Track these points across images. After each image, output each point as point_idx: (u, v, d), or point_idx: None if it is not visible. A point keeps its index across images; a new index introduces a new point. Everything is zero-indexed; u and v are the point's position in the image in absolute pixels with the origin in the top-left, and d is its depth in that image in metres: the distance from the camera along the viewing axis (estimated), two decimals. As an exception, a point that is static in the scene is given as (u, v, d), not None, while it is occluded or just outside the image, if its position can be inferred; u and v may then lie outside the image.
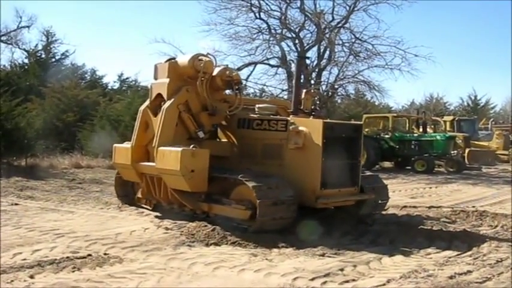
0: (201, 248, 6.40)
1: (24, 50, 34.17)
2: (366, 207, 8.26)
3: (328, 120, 8.08)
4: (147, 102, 8.78)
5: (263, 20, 24.30)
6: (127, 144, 8.96)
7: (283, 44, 24.81)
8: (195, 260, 5.77)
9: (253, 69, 24.72)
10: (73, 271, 5.26)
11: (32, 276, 5.03)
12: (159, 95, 8.45)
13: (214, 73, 8.29)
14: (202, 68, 8.07)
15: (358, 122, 9.05)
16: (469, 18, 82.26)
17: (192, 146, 7.60)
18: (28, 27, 36.44)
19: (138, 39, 52.46)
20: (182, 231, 7.13)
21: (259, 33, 24.49)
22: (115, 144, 9.34)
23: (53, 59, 30.45)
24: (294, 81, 8.88)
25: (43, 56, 30.33)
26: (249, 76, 24.25)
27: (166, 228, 7.46)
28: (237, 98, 8.42)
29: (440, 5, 76.13)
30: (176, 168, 7.45)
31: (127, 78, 33.27)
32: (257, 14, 24.06)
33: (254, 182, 7.10)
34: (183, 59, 8.43)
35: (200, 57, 8.22)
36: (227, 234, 6.85)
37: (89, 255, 5.87)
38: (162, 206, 8.67)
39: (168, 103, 8.15)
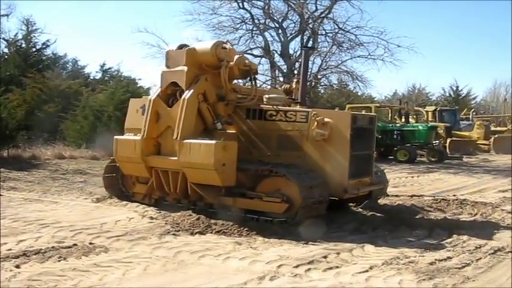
0: (186, 237, 6.45)
1: (4, 39, 33.55)
2: (373, 196, 8.42)
3: (354, 112, 8.15)
4: (157, 92, 8.23)
5: (246, 9, 24.21)
6: (131, 136, 8.36)
7: (266, 34, 24.77)
8: (181, 249, 5.83)
9: (237, 59, 24.57)
10: (59, 260, 5.28)
11: (17, 266, 5.05)
12: (172, 84, 8.06)
13: (232, 62, 7.92)
14: (226, 56, 7.77)
15: (373, 114, 9.15)
16: (451, 10, 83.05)
17: (222, 138, 7.34)
18: (7, 15, 35.62)
19: (120, 29, 51.95)
20: (167, 221, 7.16)
21: (243, 23, 24.39)
22: (116, 136, 8.67)
23: (34, 49, 29.94)
24: (301, 72, 8.79)
25: (23, 45, 29.80)
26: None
27: (151, 218, 7.49)
28: (253, 89, 8.12)
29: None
30: (209, 162, 7.14)
31: (109, 68, 32.94)
32: (240, 4, 23.96)
33: (289, 173, 7.05)
34: (203, 46, 8.00)
35: (223, 45, 7.90)
36: (211, 223, 6.90)
37: (75, 244, 5.89)
38: (163, 202, 8.27)
39: (188, 93, 7.70)
